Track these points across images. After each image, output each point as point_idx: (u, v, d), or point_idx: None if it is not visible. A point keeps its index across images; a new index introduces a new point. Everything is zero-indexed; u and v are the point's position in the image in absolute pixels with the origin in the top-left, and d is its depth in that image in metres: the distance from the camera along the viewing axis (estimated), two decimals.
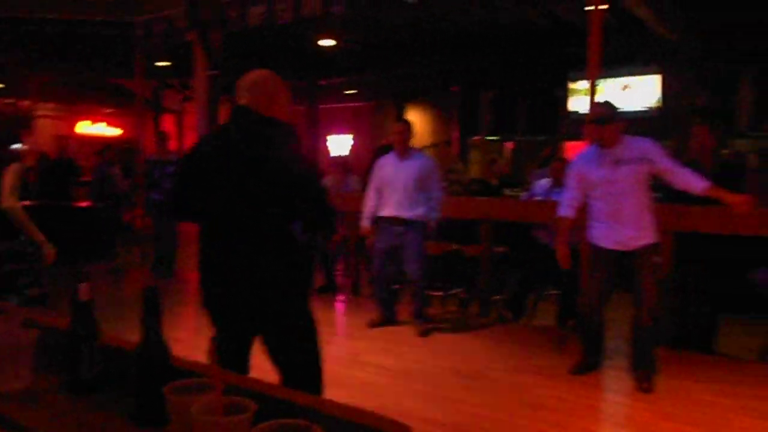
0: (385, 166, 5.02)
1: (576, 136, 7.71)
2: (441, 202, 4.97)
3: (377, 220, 5.01)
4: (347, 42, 9.33)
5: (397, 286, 5.98)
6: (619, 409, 3.63)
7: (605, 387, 3.91)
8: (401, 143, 4.97)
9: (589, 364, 4.07)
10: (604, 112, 3.82)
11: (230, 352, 2.26)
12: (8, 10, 7.71)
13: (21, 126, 3.60)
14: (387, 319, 5.18)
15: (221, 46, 7.36)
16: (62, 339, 1.28)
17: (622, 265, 3.86)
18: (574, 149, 7.35)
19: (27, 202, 7.93)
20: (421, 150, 5.37)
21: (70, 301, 1.27)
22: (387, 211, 4.92)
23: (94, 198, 9.32)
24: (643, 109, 8.80)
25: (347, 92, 13.58)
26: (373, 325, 5.13)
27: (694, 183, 3.72)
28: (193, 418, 0.89)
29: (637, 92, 8.93)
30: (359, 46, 9.63)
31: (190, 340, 4.48)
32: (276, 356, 2.31)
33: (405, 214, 4.85)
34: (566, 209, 3.99)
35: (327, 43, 9.19)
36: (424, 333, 4.93)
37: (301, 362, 2.35)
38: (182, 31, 7.61)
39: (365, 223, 5.04)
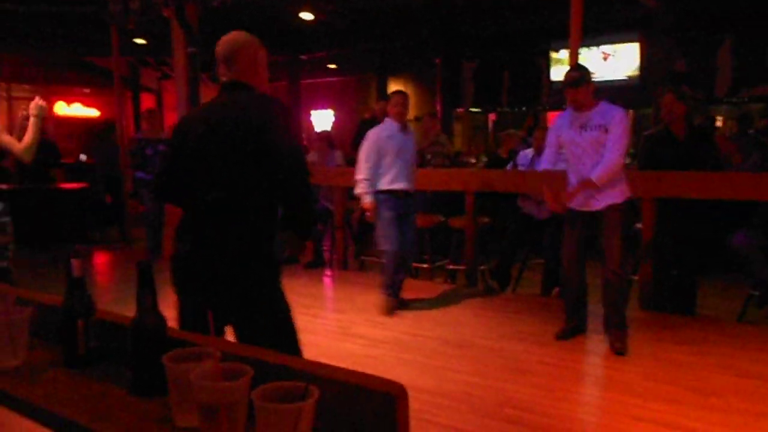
0: (390, 139, 4.80)
1: (558, 106, 7.75)
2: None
3: (379, 193, 4.82)
4: (328, 15, 9.22)
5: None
6: (602, 371, 3.73)
7: (588, 350, 4.01)
8: (403, 115, 4.90)
9: (572, 328, 4.17)
10: (575, 75, 3.90)
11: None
12: None
13: None
14: (397, 302, 4.98)
15: (199, 21, 7.25)
16: (57, 315, 1.29)
17: (592, 226, 3.97)
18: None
19: (5, 186, 7.88)
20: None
21: (63, 278, 1.28)
22: (396, 184, 4.78)
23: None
24: (624, 77, 8.84)
25: (329, 67, 13.46)
26: (394, 309, 4.92)
27: (596, 170, 3.81)
28: (192, 384, 0.92)
29: (618, 60, 8.96)
30: (340, 20, 9.53)
31: None
32: (249, 340, 2.18)
33: (409, 186, 4.85)
34: (544, 165, 4.14)
35: (307, 16, 9.08)
36: (391, 310, 4.84)
37: (277, 344, 2.34)
38: (159, 7, 7.47)
39: (367, 198, 4.79)
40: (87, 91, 17.40)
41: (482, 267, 5.85)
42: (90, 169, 11.94)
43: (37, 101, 3.61)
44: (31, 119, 3.57)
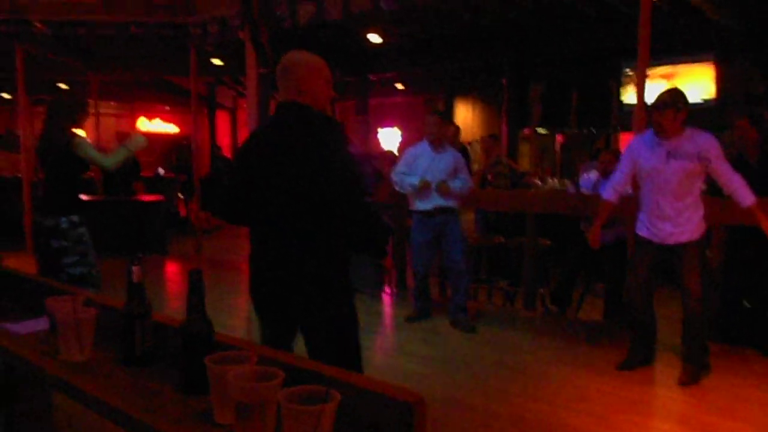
0: (419, 157, 5.00)
1: (628, 128, 7.55)
2: (469, 187, 5.05)
3: (414, 214, 5.10)
4: (395, 37, 9.40)
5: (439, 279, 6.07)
6: (662, 402, 3.60)
7: (650, 381, 3.87)
8: (435, 135, 4.99)
9: (637, 359, 4.04)
10: (662, 98, 3.71)
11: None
12: (70, 13, 8.13)
13: (78, 110, 3.78)
14: (424, 313, 5.24)
15: (271, 43, 7.56)
16: (118, 317, 1.41)
17: (665, 260, 3.82)
18: (627, 141, 7.21)
19: (91, 197, 8.40)
20: (452, 144, 5.40)
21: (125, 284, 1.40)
22: (425, 205, 4.94)
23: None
24: (699, 100, 8.54)
25: (397, 86, 13.65)
26: (411, 320, 5.18)
27: (742, 195, 3.64)
28: (229, 383, 1.00)
29: (692, 82, 8.67)
30: (407, 41, 9.68)
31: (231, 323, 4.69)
32: (315, 357, 2.26)
33: (445, 204, 4.89)
34: (609, 192, 3.98)
35: (375, 38, 9.29)
36: (469, 329, 4.91)
37: (339, 363, 2.37)
38: (235, 30, 7.87)
39: (413, 179, 4.95)
40: (167, 108, 18.35)
41: (542, 290, 5.76)
42: (169, 182, 12.58)
43: (137, 136, 3.83)
44: (123, 147, 3.79)
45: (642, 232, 3.86)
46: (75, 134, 3.69)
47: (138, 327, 1.37)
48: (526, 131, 10.88)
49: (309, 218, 2.13)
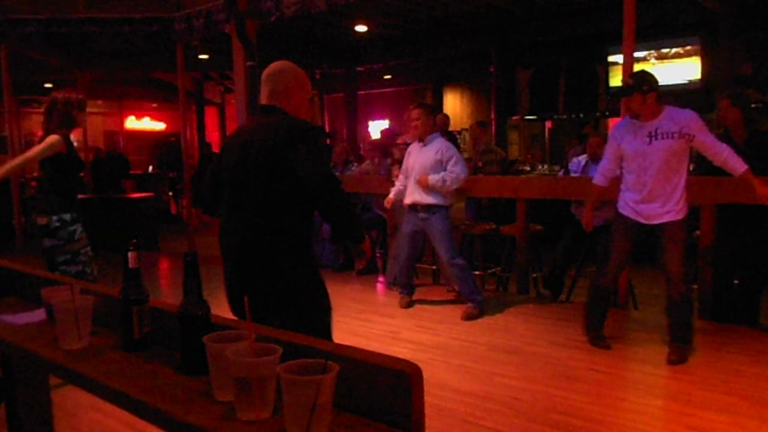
0: (410, 153, 5.12)
1: (617, 112, 7.61)
2: (455, 177, 4.84)
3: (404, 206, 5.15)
4: (382, 27, 9.39)
5: (434, 267, 6.11)
6: (655, 380, 3.65)
7: (642, 359, 3.92)
8: (418, 129, 4.94)
9: (597, 326, 4.13)
10: (628, 82, 3.78)
11: None
12: (53, 11, 8.06)
13: (77, 109, 3.76)
14: (410, 299, 5.32)
15: (258, 36, 7.53)
16: (115, 305, 1.42)
17: (647, 240, 3.88)
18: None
19: (82, 195, 8.36)
20: (440, 134, 5.31)
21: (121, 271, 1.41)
22: (409, 198, 4.99)
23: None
24: (684, 81, 8.60)
25: (385, 77, 13.66)
26: (407, 305, 5.26)
27: (732, 163, 3.66)
28: (229, 360, 1.02)
29: (678, 64, 8.73)
30: (394, 31, 9.68)
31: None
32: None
33: (425, 199, 4.89)
34: (598, 177, 4.04)
35: (361, 29, 9.27)
36: (471, 317, 4.92)
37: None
38: (221, 24, 7.82)
39: (390, 196, 5.29)
40: (155, 105, 18.26)
41: (535, 275, 5.81)
42: (159, 179, 12.54)
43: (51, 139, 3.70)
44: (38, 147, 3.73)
45: (625, 211, 3.88)
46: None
47: (136, 312, 1.38)
48: (514, 118, 10.92)
49: (277, 212, 2.22)
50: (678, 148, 3.66)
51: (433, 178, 4.81)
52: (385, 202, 5.38)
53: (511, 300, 5.51)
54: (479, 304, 4.96)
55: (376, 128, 15.38)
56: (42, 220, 3.57)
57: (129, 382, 1.18)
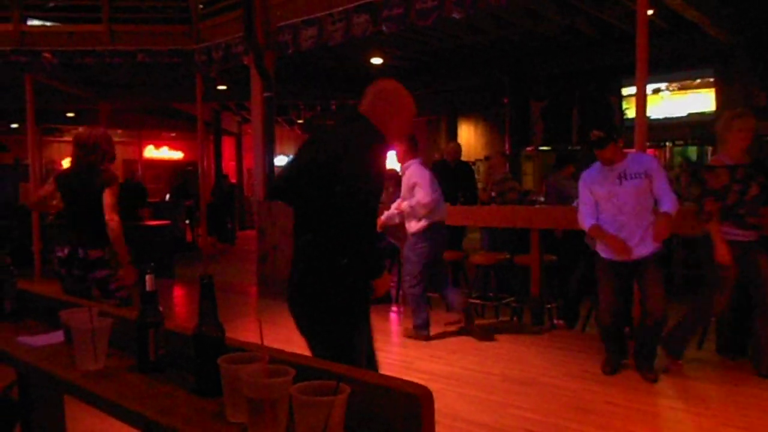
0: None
1: (631, 144, 7.62)
2: (417, 206, 4.97)
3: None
4: (396, 59, 9.53)
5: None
6: (672, 414, 3.59)
7: (658, 392, 3.86)
8: (397, 155, 5.15)
9: (614, 365, 4.19)
10: (599, 135, 3.95)
11: None
12: (77, 44, 8.30)
13: (107, 149, 3.89)
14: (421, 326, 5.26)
15: (275, 68, 7.69)
16: (131, 327, 1.45)
17: (629, 277, 4.08)
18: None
19: None
20: (449, 162, 5.51)
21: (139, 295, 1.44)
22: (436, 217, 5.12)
23: None
24: (699, 112, 8.61)
25: None
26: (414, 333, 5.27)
27: (666, 202, 3.85)
28: (242, 381, 1.04)
29: (693, 95, 8.75)
30: (408, 63, 9.82)
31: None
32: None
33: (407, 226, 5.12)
34: (588, 221, 4.10)
35: (376, 61, 9.42)
36: (409, 335, 5.16)
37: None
38: (239, 56, 8.01)
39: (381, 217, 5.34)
40: (173, 135, 18.56)
41: (549, 305, 5.77)
42: (175, 208, 12.68)
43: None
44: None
45: (604, 254, 4.07)
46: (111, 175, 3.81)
47: (152, 334, 1.40)
48: (528, 149, 10.95)
49: (325, 220, 2.16)
50: (645, 187, 3.91)
51: (404, 206, 5.08)
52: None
53: (526, 330, 5.46)
54: (418, 332, 5.13)
55: (392, 158, 15.49)
56: (96, 253, 3.69)
57: (144, 403, 1.20)
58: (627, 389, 3.88)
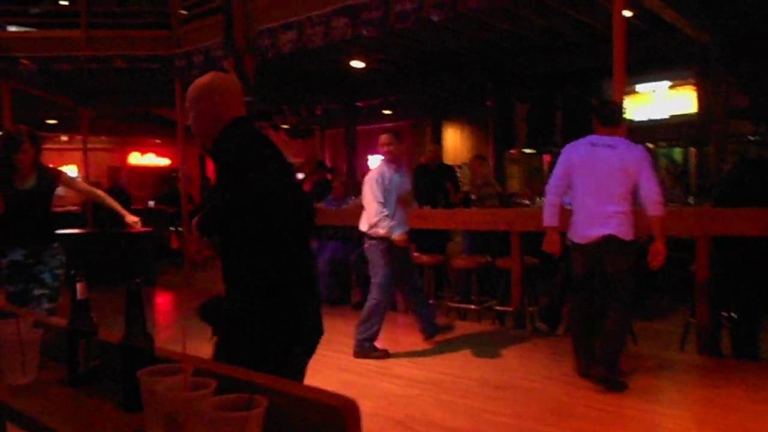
0: (392, 180, 4.92)
1: None
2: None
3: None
4: (378, 63, 9.49)
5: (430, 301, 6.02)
6: (651, 417, 3.54)
7: (638, 395, 3.81)
8: (390, 155, 4.87)
9: (587, 365, 4.06)
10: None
11: None
12: (54, 49, 8.19)
13: (12, 148, 3.77)
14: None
15: (255, 72, 7.62)
16: (64, 336, 1.38)
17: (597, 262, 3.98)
18: None
19: (81, 230, 8.38)
20: (436, 165, 5.33)
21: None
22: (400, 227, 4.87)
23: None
24: (680, 114, 8.62)
25: (384, 112, 13.75)
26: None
27: (651, 204, 3.77)
28: (158, 394, 0.97)
29: (674, 97, 8.76)
30: (391, 67, 9.78)
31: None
32: None
33: (407, 228, 4.95)
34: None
35: (358, 65, 9.38)
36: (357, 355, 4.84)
37: None
38: (219, 60, 7.92)
39: (400, 232, 4.82)
40: (158, 141, 18.41)
41: (531, 308, 5.72)
42: (159, 215, 12.56)
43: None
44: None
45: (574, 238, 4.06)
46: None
47: (82, 345, 1.34)
48: (512, 152, 10.93)
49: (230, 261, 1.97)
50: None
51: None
52: (400, 240, 4.82)
53: (507, 335, 5.41)
54: (361, 349, 4.82)
55: (375, 163, 15.44)
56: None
57: (63, 419, 1.13)
58: (606, 393, 3.82)
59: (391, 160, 4.91)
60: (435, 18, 6.07)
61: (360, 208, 6.94)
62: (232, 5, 7.44)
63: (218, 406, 0.91)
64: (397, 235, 4.75)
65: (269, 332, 1.89)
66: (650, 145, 9.40)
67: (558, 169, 4.05)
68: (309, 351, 2.06)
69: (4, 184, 3.86)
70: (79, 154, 11.77)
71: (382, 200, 4.79)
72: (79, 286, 1.35)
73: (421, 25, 7.36)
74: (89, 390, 1.32)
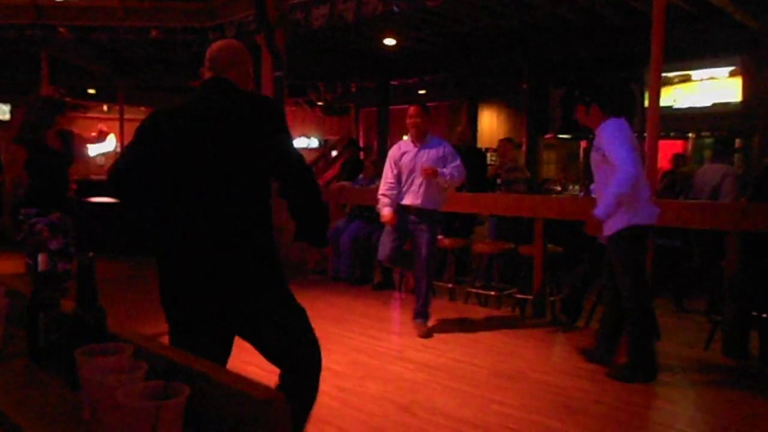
0: (404, 154, 4.83)
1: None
2: (457, 175, 4.71)
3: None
4: (412, 41, 9.33)
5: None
6: (666, 417, 3.41)
7: (655, 393, 3.68)
8: (415, 128, 4.75)
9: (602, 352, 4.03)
10: (574, 94, 3.80)
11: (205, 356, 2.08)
12: (92, 19, 8.28)
13: (56, 111, 3.80)
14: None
15: (286, 47, 7.56)
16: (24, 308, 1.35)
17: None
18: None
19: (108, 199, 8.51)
20: (437, 136, 5.09)
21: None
22: (405, 200, 4.77)
23: None
24: (723, 102, 8.24)
25: (419, 92, 13.58)
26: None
27: (601, 197, 3.63)
28: (83, 377, 0.93)
29: (717, 85, 8.38)
30: (425, 46, 9.60)
31: None
32: (267, 352, 2.11)
33: (420, 203, 4.72)
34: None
35: (390, 42, 9.23)
36: (427, 335, 4.79)
37: (294, 352, 2.14)
38: (252, 34, 7.90)
39: (387, 210, 4.80)
40: None
41: (552, 298, 5.58)
42: None
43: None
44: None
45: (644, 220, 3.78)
46: None
47: (41, 318, 1.31)
48: (547, 137, 10.67)
49: (246, 192, 2.05)
50: (601, 160, 3.68)
51: (443, 172, 4.63)
52: (384, 218, 4.83)
53: (526, 324, 5.30)
54: (425, 320, 4.90)
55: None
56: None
57: (7, 393, 1.10)
58: (621, 388, 3.70)
59: (415, 133, 4.81)
60: None
61: None
62: None
63: (140, 392, 0.86)
64: (384, 212, 4.79)
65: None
66: (691, 135, 9.05)
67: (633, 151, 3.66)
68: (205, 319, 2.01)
69: (41, 147, 3.90)
70: (118, 124, 11.96)
71: (386, 175, 4.85)
72: (41, 257, 1.32)
73: (455, 4, 7.18)
74: (47, 365, 1.29)
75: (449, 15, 8.00)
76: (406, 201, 4.79)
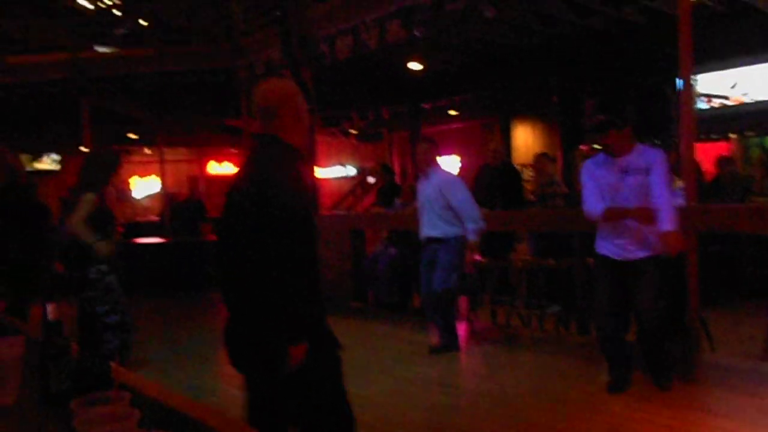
0: (419, 188, 5.08)
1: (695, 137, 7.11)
2: (472, 216, 4.76)
3: None
4: (439, 63, 9.35)
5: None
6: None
7: (705, 412, 3.50)
8: (421, 163, 4.98)
9: (619, 380, 3.81)
10: (600, 119, 3.66)
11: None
12: (126, 67, 8.61)
13: (110, 169, 3.89)
14: (446, 344, 4.94)
15: (313, 81, 7.68)
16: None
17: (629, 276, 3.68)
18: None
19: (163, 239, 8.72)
20: (443, 167, 5.18)
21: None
22: (421, 232, 4.92)
23: None
24: (759, 100, 7.94)
25: (451, 113, 13.54)
26: (433, 350, 4.92)
27: (663, 217, 3.45)
28: (76, 428, 0.92)
29: (752, 85, 8.09)
30: (452, 67, 9.61)
31: None
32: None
33: (432, 233, 4.82)
34: (598, 208, 3.68)
35: (416, 66, 9.28)
36: (436, 350, 4.81)
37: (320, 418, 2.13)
38: (279, 70, 8.05)
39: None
40: (234, 151, 19.02)
41: None
42: None
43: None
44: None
45: (603, 250, 3.76)
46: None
47: (51, 367, 1.32)
48: (582, 148, 10.45)
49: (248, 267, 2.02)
50: (647, 183, 3.57)
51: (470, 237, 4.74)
52: None
53: (570, 342, 5.14)
54: (448, 343, 4.84)
55: (446, 164, 15.25)
56: (77, 273, 3.71)
57: None
58: (668, 407, 3.52)
59: (421, 167, 5.02)
60: (488, 14, 5.89)
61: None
62: (289, 15, 7.54)
63: None
64: None
65: None
66: (733, 135, 8.74)
67: None
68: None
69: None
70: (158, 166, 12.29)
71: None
72: (49, 307, 1.34)
73: (478, 22, 7.16)
74: (60, 413, 1.29)
75: (472, 36, 8.00)
76: (422, 233, 4.94)
